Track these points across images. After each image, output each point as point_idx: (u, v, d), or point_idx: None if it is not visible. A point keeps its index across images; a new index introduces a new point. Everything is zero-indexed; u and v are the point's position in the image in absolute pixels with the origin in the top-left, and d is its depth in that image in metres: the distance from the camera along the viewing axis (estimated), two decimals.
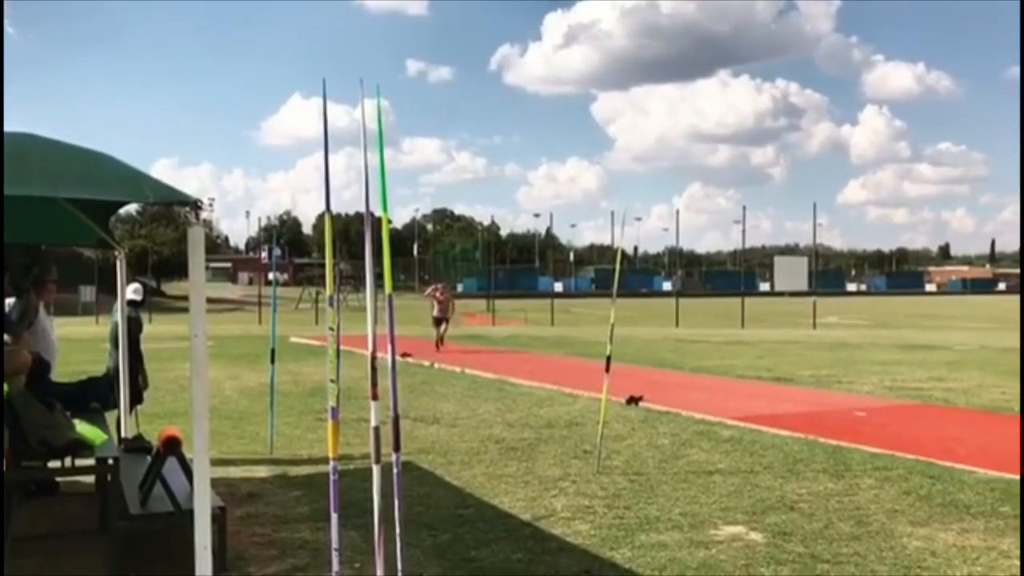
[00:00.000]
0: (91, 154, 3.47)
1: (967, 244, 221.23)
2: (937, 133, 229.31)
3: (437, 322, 22.30)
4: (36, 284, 7.19)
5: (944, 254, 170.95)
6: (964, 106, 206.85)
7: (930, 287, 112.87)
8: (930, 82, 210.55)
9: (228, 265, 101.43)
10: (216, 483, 5.23)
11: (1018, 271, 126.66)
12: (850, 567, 5.41)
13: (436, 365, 17.77)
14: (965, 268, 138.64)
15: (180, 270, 56.81)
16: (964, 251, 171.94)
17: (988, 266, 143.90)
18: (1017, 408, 12.04)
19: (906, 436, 9.69)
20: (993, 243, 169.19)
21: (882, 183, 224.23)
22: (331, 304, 4.22)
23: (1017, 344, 23.85)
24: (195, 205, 3.40)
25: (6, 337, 6.14)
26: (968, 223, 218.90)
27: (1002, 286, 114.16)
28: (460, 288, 79.47)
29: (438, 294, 22.69)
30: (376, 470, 4.11)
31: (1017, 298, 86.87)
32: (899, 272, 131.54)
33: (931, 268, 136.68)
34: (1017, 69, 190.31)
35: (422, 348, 20.34)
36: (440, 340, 21.72)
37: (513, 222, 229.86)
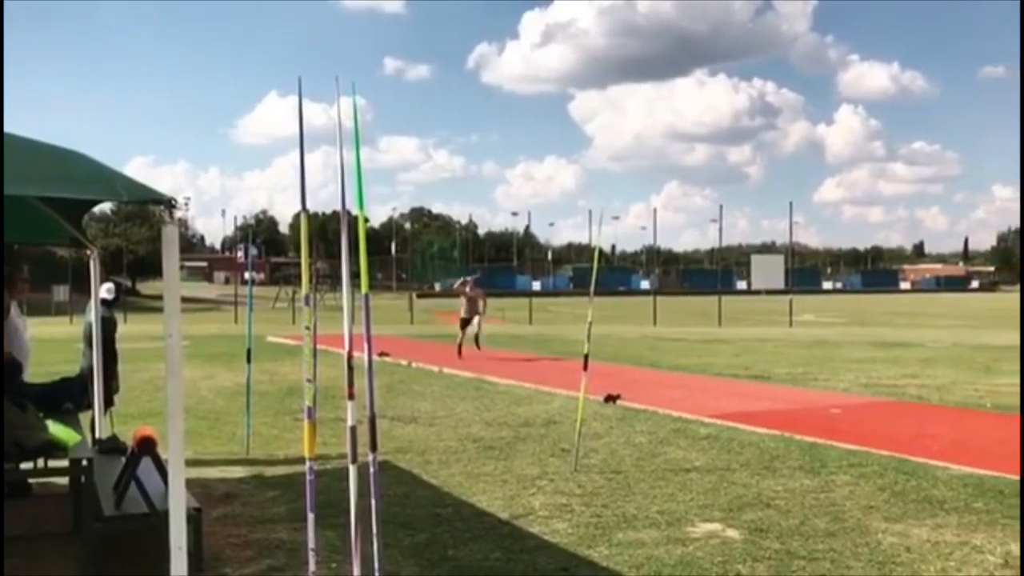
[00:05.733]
0: (64, 152, 3.43)
1: (941, 242, 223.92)
2: (911, 132, 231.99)
3: (464, 323, 19.71)
4: (7, 283, 7.11)
5: (918, 252, 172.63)
6: (938, 106, 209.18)
7: (904, 285, 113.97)
8: (905, 82, 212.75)
9: (204, 264, 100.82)
10: (192, 484, 5.19)
11: (991, 268, 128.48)
12: (826, 563, 5.45)
13: (413, 364, 17.74)
14: (939, 266, 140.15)
15: (155, 269, 56.14)
16: (938, 249, 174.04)
17: (961, 264, 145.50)
18: (989, 404, 12.19)
19: (881, 433, 9.77)
20: (966, 241, 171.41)
21: (857, 182, 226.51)
22: (307, 303, 4.20)
23: (991, 341, 24.16)
24: (169, 204, 3.38)
25: None
26: (942, 221, 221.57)
27: (975, 284, 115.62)
28: (437, 287, 79.36)
29: (467, 289, 20.04)
30: (353, 470, 4.10)
31: (991, 295, 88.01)
32: (874, 270, 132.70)
33: (905, 266, 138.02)
34: (991, 69, 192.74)
35: (399, 347, 20.29)
36: (475, 342, 19.44)
37: (491, 221, 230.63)
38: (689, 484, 7.49)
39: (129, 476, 5.33)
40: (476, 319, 19.71)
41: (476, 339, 19.59)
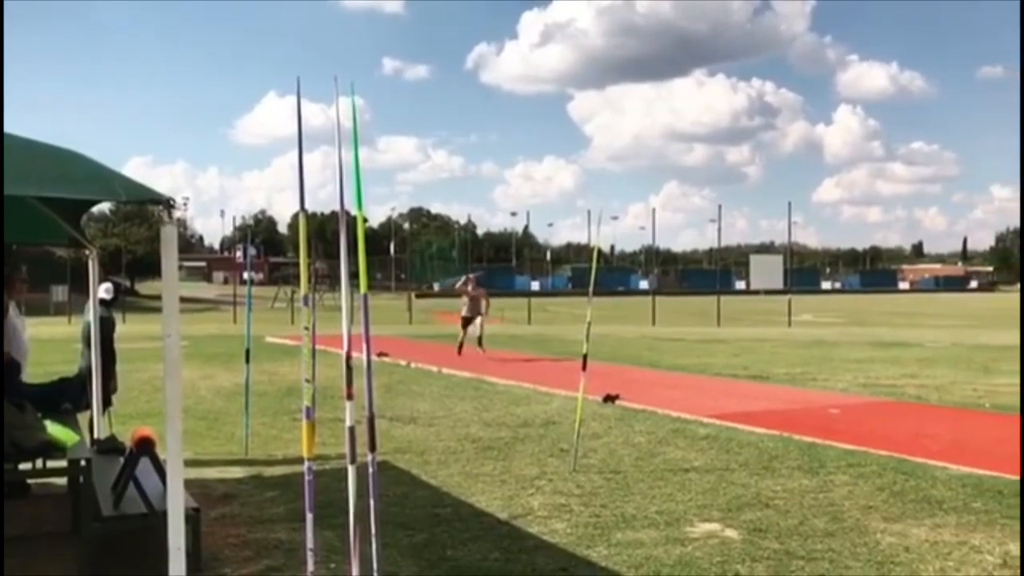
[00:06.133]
0: (62, 152, 3.43)
1: (939, 242, 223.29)
2: (910, 133, 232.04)
3: (465, 322, 19.41)
4: (6, 283, 7.10)
5: (917, 252, 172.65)
6: (937, 106, 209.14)
7: (903, 285, 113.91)
8: (903, 82, 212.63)
9: (203, 264, 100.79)
10: (190, 484, 5.19)
11: (989, 268, 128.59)
12: (824, 563, 5.45)
13: (413, 364, 17.73)
14: (937, 266, 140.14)
15: (154, 269, 56.08)
16: (936, 249, 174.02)
17: (960, 264, 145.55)
18: (988, 405, 12.20)
19: (880, 433, 9.78)
20: (965, 241, 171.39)
21: (856, 182, 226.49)
22: (306, 303, 4.20)
23: (989, 341, 24.17)
24: (168, 204, 3.38)
25: None
26: (940, 222, 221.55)
27: (974, 284, 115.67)
28: (436, 287, 79.28)
29: (469, 288, 19.66)
30: (351, 470, 4.10)
31: (989, 295, 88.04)
32: (873, 270, 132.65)
33: (904, 266, 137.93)
34: (989, 69, 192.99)
35: (398, 348, 20.28)
36: (479, 343, 18.99)
37: (490, 221, 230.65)
38: (688, 484, 7.49)
39: (127, 476, 5.33)
40: (479, 320, 19.40)
41: (480, 341, 19.23)
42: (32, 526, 6.20)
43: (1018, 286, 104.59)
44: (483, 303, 19.57)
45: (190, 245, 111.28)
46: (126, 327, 22.06)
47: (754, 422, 10.36)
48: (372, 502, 4.05)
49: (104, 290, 8.23)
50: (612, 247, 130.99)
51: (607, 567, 5.40)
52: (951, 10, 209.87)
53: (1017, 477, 7.39)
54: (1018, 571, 5.33)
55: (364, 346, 4.05)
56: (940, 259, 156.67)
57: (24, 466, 5.69)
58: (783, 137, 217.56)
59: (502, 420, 10.87)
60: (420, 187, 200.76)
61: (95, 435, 7.25)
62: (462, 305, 20.07)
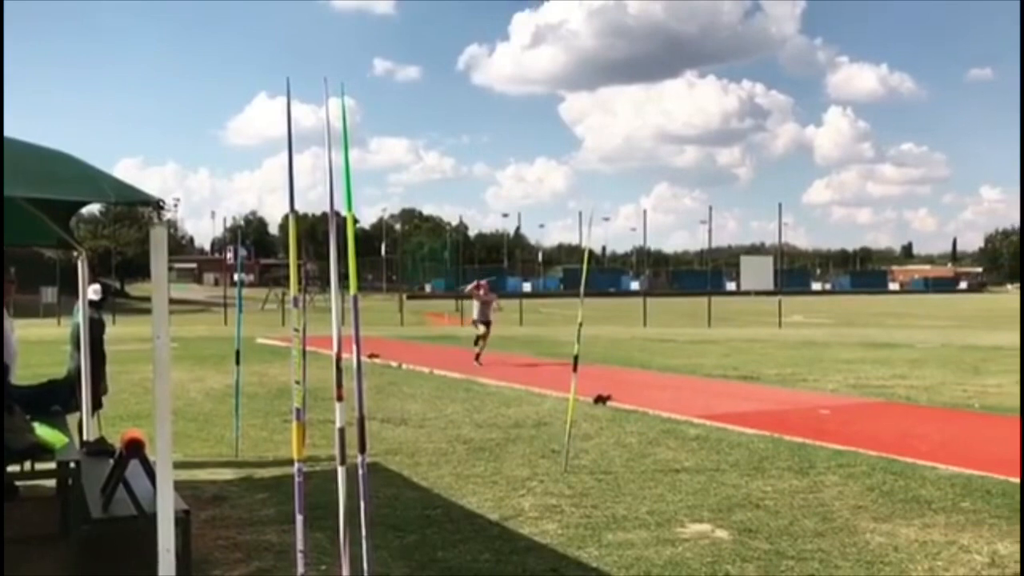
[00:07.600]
0: (51, 153, 3.42)
1: (929, 243, 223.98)
2: (900, 134, 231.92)
3: (484, 326, 18.82)
4: None
5: (907, 253, 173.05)
6: (926, 108, 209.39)
7: (893, 286, 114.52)
8: (893, 84, 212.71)
9: (193, 266, 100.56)
10: (181, 486, 5.18)
11: (979, 269, 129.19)
12: (814, 563, 5.47)
13: (404, 366, 17.71)
14: (927, 267, 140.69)
15: (144, 271, 55.95)
16: (926, 250, 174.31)
17: (950, 265, 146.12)
18: (978, 405, 12.25)
19: (869, 433, 9.81)
20: (954, 242, 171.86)
21: (846, 183, 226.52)
22: (296, 305, 4.19)
23: (979, 342, 24.28)
24: (157, 205, 3.37)
25: None
26: (930, 223, 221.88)
27: (963, 285, 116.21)
28: (428, 288, 79.26)
29: (481, 292, 19.07)
30: (341, 471, 4.09)
31: (979, 296, 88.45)
32: (863, 271, 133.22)
33: (894, 267, 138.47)
34: (979, 71, 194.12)
35: (390, 349, 20.26)
36: (477, 355, 18.04)
37: (481, 222, 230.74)
38: (678, 485, 7.50)
39: (117, 478, 5.31)
40: (484, 329, 18.77)
41: (477, 356, 18.14)
42: (20, 529, 6.17)
43: (1007, 287, 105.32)
44: (493, 306, 19.36)
45: (180, 246, 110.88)
46: (116, 329, 21.98)
47: (744, 423, 10.39)
48: (362, 503, 4.05)
49: (93, 291, 8.20)
50: (603, 248, 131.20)
51: (598, 568, 5.40)
52: (941, 12, 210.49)
53: (1005, 477, 7.44)
54: (1006, 571, 5.35)
55: (354, 347, 4.05)
56: (930, 260, 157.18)
57: (12, 468, 5.67)
58: (773, 139, 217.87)
59: (493, 421, 10.87)
60: (411, 188, 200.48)
61: (84, 437, 7.21)
62: (473, 308, 19.91)
